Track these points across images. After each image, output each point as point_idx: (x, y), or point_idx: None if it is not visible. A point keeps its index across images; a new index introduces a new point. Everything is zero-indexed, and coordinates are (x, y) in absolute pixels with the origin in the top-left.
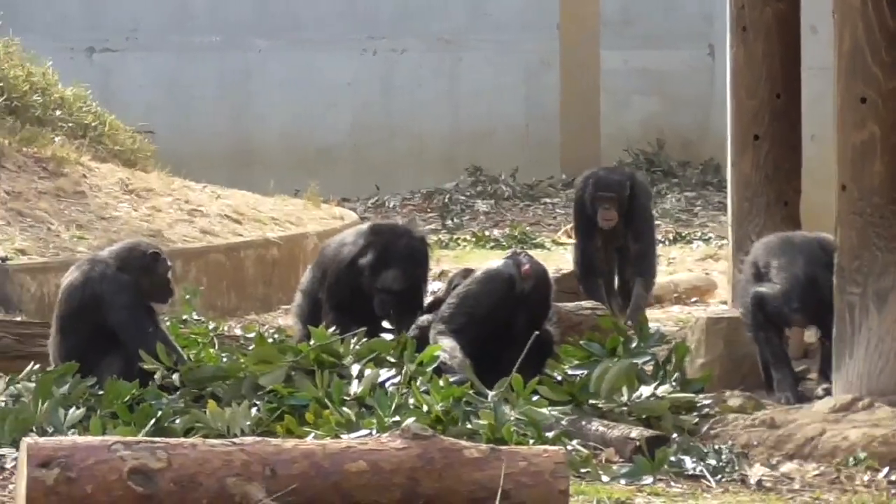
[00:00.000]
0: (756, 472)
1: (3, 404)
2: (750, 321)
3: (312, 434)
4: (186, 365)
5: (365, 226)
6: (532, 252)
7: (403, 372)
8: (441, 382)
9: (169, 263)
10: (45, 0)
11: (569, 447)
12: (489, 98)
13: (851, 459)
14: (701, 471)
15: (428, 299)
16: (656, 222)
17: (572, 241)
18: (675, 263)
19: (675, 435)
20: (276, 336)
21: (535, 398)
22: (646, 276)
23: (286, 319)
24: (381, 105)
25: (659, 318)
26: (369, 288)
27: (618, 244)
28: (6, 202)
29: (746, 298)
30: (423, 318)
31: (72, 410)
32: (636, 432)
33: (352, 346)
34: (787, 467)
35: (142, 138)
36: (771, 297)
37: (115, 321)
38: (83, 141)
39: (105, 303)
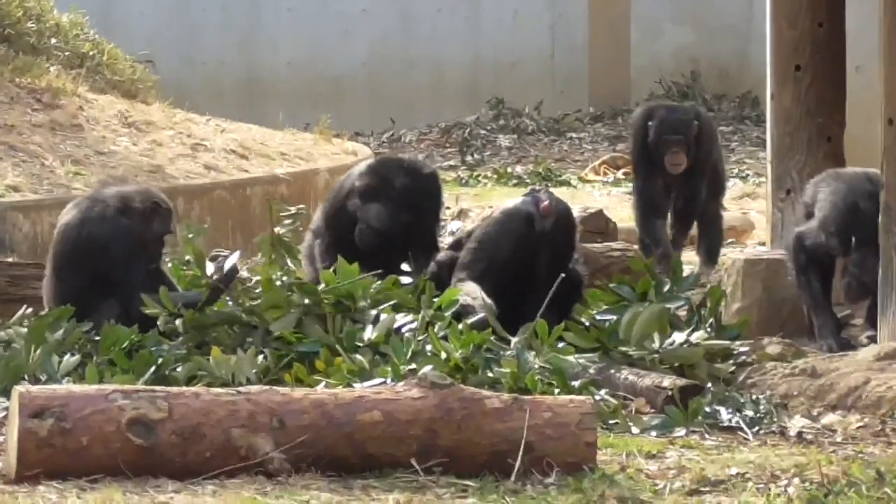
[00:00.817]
0: (796, 423)
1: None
2: (792, 263)
3: (323, 383)
4: (190, 311)
5: (373, 159)
6: (557, 190)
7: (420, 317)
8: (460, 328)
9: (172, 225)
10: None
11: (596, 397)
12: (513, 26)
13: None
14: (737, 422)
15: (448, 239)
16: None
17: (600, 178)
18: None
19: (709, 384)
20: (284, 279)
21: (560, 345)
22: (713, 232)
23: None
24: (397, 33)
25: (693, 260)
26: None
27: (681, 186)
28: None
29: (790, 239)
30: (443, 255)
31: (66, 357)
32: (668, 381)
33: (368, 289)
34: (829, 419)
35: (142, 68)
36: (809, 232)
37: (111, 266)
38: (80, 71)
39: (101, 246)
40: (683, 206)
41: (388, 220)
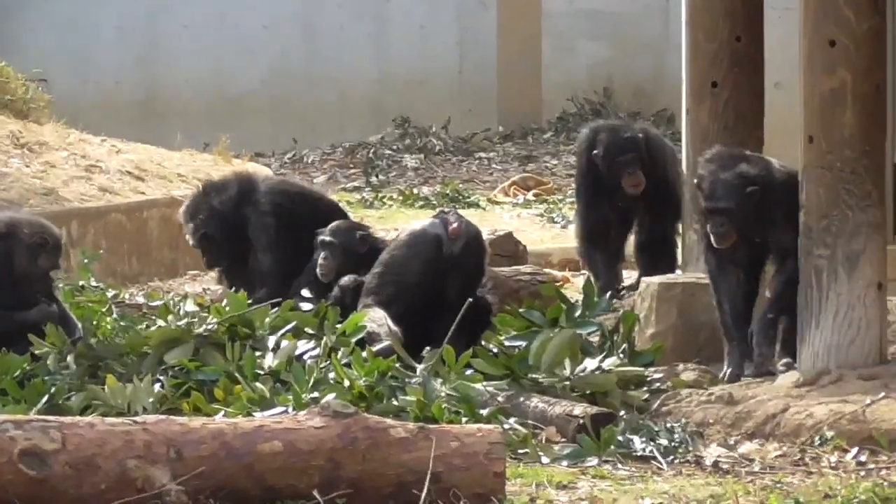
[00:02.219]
0: (712, 452)
1: None
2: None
3: (222, 412)
4: (79, 346)
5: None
6: (466, 212)
7: (323, 343)
8: (364, 355)
9: (58, 261)
10: None
11: (505, 426)
12: (419, 42)
13: (817, 439)
14: (651, 451)
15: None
16: None
17: (510, 199)
18: None
19: (622, 412)
20: (181, 305)
21: (468, 372)
22: (669, 261)
23: (193, 286)
24: (300, 50)
25: None
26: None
27: (640, 215)
28: None
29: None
30: (346, 279)
31: None
32: (580, 409)
33: (267, 316)
34: (747, 447)
35: (35, 87)
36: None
37: None
38: None
39: None
40: (646, 237)
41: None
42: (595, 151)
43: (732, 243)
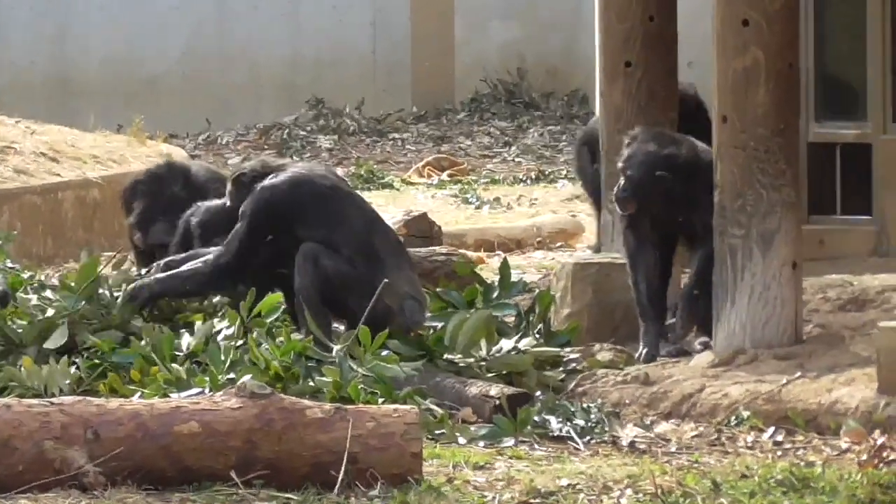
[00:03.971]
0: (628, 432)
1: None
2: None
3: (139, 393)
4: None
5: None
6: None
7: (237, 323)
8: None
9: None
10: None
11: (422, 406)
12: (332, 22)
13: (733, 418)
14: (568, 432)
15: None
16: (517, 159)
17: (424, 180)
18: (538, 205)
19: (538, 393)
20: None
21: (384, 353)
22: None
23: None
24: (213, 30)
25: (521, 264)
26: None
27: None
28: None
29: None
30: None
31: None
32: (496, 390)
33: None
34: (663, 427)
35: None
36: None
37: None
38: None
39: None
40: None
41: None
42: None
43: (650, 223)
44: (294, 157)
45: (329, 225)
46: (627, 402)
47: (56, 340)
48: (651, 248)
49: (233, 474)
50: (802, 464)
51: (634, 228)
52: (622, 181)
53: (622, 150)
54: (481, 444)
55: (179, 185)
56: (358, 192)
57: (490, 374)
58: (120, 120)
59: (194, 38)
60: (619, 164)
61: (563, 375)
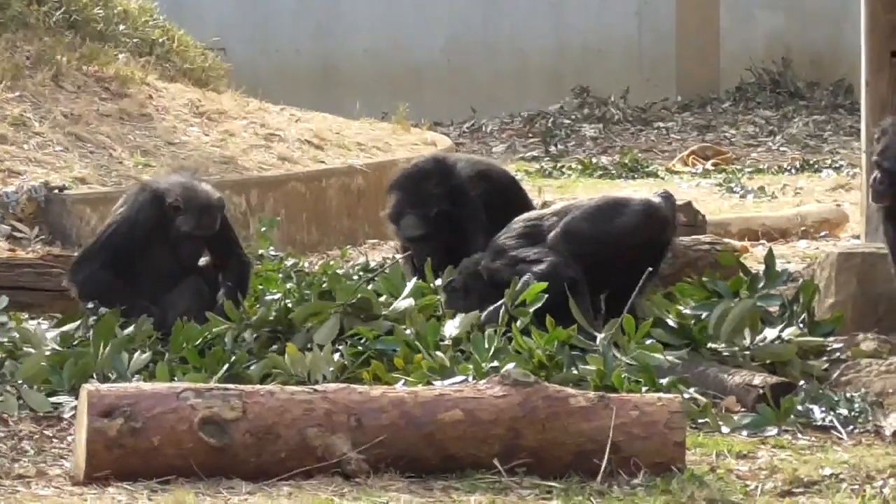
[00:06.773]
0: (892, 422)
1: (60, 348)
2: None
3: (402, 381)
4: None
5: None
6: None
7: (502, 312)
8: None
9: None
10: None
11: (685, 395)
12: (598, 11)
13: None
14: (831, 421)
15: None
16: (781, 147)
17: (689, 169)
18: (802, 194)
19: (802, 382)
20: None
21: (648, 342)
22: None
23: (373, 255)
24: (478, 19)
25: (784, 254)
26: None
27: None
28: (65, 126)
29: None
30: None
31: (136, 355)
32: (759, 379)
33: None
34: None
35: (214, 56)
36: None
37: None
38: (149, 58)
39: None
40: None
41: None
42: None
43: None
44: (558, 146)
45: None
46: (891, 391)
47: (326, 334)
48: None
49: (496, 462)
50: None
51: (894, 220)
52: (877, 173)
53: (881, 135)
54: (744, 433)
55: (436, 181)
56: (622, 179)
57: (753, 364)
58: (384, 108)
59: (459, 27)
60: (874, 157)
61: (827, 365)
